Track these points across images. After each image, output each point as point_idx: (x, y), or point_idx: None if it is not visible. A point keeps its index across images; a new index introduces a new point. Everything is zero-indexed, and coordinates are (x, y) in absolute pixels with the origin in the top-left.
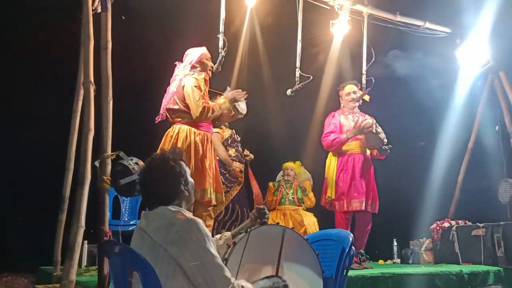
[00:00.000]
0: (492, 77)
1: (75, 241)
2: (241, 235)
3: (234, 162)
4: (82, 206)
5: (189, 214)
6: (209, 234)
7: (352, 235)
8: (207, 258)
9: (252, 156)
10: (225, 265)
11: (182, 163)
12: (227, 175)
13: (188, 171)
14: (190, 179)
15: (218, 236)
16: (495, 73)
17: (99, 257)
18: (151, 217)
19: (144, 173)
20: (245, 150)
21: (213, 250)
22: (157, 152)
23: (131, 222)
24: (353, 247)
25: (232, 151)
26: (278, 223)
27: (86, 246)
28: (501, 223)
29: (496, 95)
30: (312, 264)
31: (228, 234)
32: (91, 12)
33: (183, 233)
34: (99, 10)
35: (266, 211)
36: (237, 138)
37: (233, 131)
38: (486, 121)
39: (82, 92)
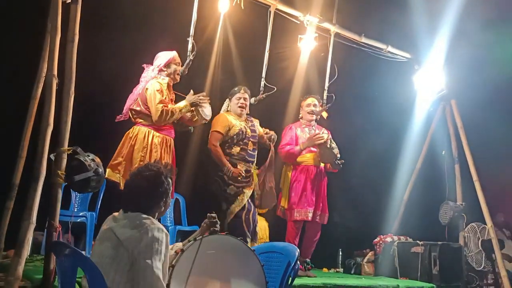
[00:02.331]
0: (444, 104)
1: (25, 237)
2: (190, 243)
3: (239, 162)
4: (35, 202)
5: (158, 224)
6: (167, 245)
7: (298, 250)
8: (151, 264)
9: (272, 135)
10: (172, 271)
11: (170, 180)
12: (231, 174)
13: (171, 190)
14: (169, 197)
15: (170, 246)
16: (447, 100)
17: (46, 253)
18: (121, 219)
19: (135, 178)
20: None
21: (159, 263)
22: (154, 163)
23: (81, 214)
24: (298, 262)
25: (236, 149)
26: (227, 232)
27: None
28: (439, 243)
29: (446, 122)
30: (257, 275)
31: (179, 244)
32: (60, 3)
33: (144, 234)
34: (69, 0)
35: (217, 220)
36: (250, 132)
37: (246, 124)
38: (435, 145)
39: (42, 79)
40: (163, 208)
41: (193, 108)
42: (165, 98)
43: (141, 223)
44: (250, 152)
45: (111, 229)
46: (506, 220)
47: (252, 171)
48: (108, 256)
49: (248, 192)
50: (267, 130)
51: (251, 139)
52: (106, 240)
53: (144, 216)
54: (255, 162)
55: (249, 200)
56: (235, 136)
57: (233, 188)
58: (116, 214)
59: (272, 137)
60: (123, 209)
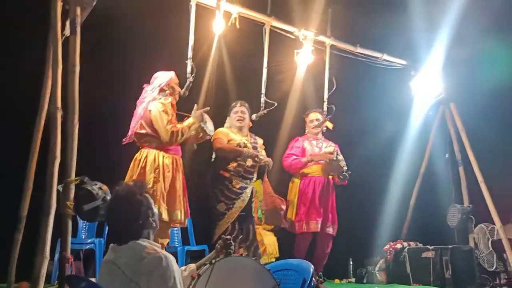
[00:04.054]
0: (443, 108)
1: (40, 273)
2: (206, 266)
3: (234, 178)
4: (47, 236)
5: (159, 249)
6: (178, 271)
7: (313, 266)
8: None
9: (268, 161)
10: None
11: (147, 195)
12: (225, 191)
13: (152, 202)
14: (155, 210)
15: (183, 267)
16: (446, 104)
17: (60, 285)
18: (121, 251)
19: (111, 210)
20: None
21: (178, 287)
22: (122, 185)
23: (89, 240)
24: (313, 279)
25: (233, 165)
26: (242, 254)
27: None
28: (449, 246)
29: (447, 125)
30: None
31: (193, 265)
32: (60, 36)
33: (152, 267)
34: (68, 33)
35: (232, 242)
36: (252, 149)
37: (248, 139)
38: (437, 149)
39: (45, 110)
40: (154, 224)
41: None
42: (171, 118)
43: (145, 254)
44: (247, 168)
45: (113, 262)
46: None
47: (248, 187)
48: None
49: (236, 210)
50: (265, 157)
51: (249, 156)
52: (111, 274)
53: (142, 244)
54: (255, 177)
55: (239, 220)
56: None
57: (222, 206)
58: (114, 244)
59: (269, 164)
60: (117, 242)
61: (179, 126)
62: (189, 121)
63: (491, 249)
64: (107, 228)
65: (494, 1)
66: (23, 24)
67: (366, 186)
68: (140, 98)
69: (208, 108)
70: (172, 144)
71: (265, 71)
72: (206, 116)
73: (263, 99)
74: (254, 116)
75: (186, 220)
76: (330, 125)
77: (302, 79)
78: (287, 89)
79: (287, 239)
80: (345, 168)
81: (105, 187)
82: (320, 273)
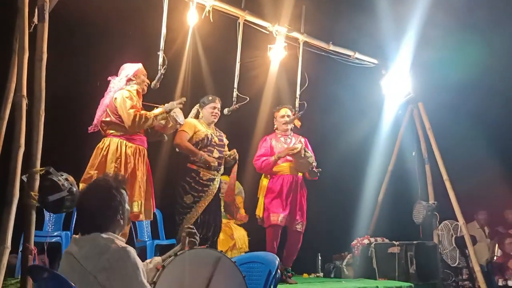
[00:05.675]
0: (412, 107)
1: (1, 263)
2: (170, 258)
3: (202, 170)
4: (9, 226)
5: (121, 243)
6: (140, 263)
7: (278, 258)
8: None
9: (234, 154)
10: None
11: (123, 191)
12: (192, 183)
13: (127, 200)
14: (127, 207)
15: (148, 260)
16: (414, 103)
17: (22, 277)
18: (82, 243)
19: (84, 197)
20: (226, 151)
21: (143, 279)
22: (103, 176)
23: (55, 233)
24: (279, 271)
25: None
26: (207, 246)
27: None
28: (414, 242)
29: (415, 123)
30: (239, 287)
31: (158, 258)
32: (27, 23)
33: (113, 261)
34: (36, 21)
35: (196, 232)
36: (218, 141)
37: (214, 132)
38: (405, 147)
39: (10, 99)
40: (122, 222)
41: (168, 115)
42: (136, 104)
43: (106, 247)
44: (215, 159)
45: (72, 254)
46: (489, 218)
47: (216, 178)
48: (77, 283)
49: (203, 203)
50: (229, 152)
51: (216, 147)
52: (70, 266)
53: (104, 236)
54: (222, 170)
55: (206, 213)
56: (199, 141)
57: (189, 198)
58: (76, 236)
59: (235, 155)
60: (80, 231)
61: (144, 112)
62: (157, 110)
63: (454, 245)
64: (75, 216)
65: (457, 3)
66: None
67: (336, 183)
68: (107, 90)
69: (184, 99)
70: (134, 129)
71: (238, 65)
72: (177, 109)
73: (235, 93)
74: (226, 111)
75: (147, 213)
76: (298, 123)
77: (276, 75)
78: (261, 84)
79: (257, 234)
80: (315, 164)
81: (71, 178)
82: (289, 268)
